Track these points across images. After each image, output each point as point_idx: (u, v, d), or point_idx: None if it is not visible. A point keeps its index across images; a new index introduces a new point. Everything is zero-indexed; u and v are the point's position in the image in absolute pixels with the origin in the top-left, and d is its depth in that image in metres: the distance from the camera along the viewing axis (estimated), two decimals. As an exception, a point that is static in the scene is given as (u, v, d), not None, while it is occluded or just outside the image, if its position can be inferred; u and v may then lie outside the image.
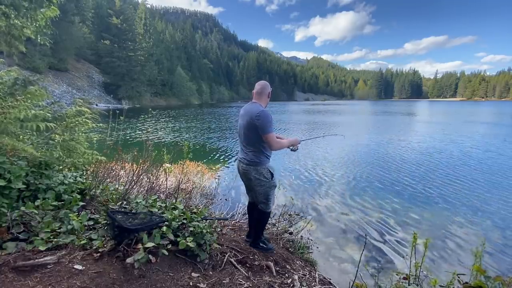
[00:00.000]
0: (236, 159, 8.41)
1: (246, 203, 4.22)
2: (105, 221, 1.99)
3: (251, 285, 1.92)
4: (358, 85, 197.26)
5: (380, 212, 4.84)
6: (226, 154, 9.85)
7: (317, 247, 3.42)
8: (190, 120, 22.71)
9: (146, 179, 3.40)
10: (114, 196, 2.68)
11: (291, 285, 2.05)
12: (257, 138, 2.18)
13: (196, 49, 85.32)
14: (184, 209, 2.33)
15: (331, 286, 2.25)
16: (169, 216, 2.07)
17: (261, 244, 2.50)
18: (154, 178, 3.49)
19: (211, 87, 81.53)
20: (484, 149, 10.63)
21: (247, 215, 3.74)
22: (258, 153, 2.22)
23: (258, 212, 2.42)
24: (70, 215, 1.94)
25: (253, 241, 2.51)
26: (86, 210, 2.26)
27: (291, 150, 2.51)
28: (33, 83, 2.60)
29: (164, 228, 1.94)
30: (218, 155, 9.81)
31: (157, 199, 2.56)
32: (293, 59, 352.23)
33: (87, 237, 1.85)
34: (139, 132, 14.17)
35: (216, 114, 30.79)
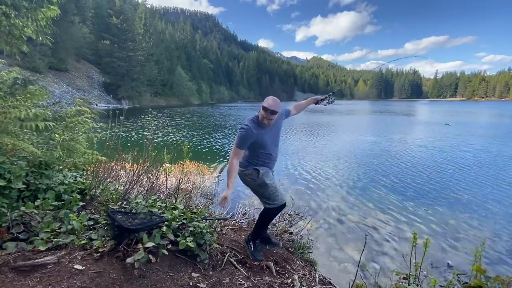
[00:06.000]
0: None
1: (247, 203, 4.23)
2: (105, 221, 1.99)
3: (251, 285, 1.92)
4: (358, 85, 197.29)
5: (380, 212, 4.84)
6: (226, 154, 9.85)
7: (317, 247, 3.42)
8: (190, 120, 22.71)
9: (146, 179, 3.40)
10: (114, 196, 2.68)
11: (291, 285, 2.04)
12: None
13: (196, 49, 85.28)
14: (184, 209, 2.33)
15: (331, 286, 2.25)
16: (169, 216, 2.07)
17: (250, 243, 2.36)
18: (154, 178, 3.49)
19: (211, 87, 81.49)
20: (485, 150, 10.63)
21: (247, 215, 3.75)
22: (246, 158, 2.23)
23: (262, 211, 2.38)
24: (70, 215, 1.94)
25: (247, 238, 2.42)
26: (86, 210, 2.26)
27: (325, 105, 2.45)
28: (33, 82, 2.60)
29: (164, 228, 1.94)
30: (218, 155, 9.81)
31: (157, 199, 2.55)
32: (293, 59, 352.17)
33: (87, 237, 1.85)
34: (139, 133, 14.17)
35: (216, 114, 30.79)
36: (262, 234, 2.45)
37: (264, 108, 2.04)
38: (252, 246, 2.36)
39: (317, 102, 2.57)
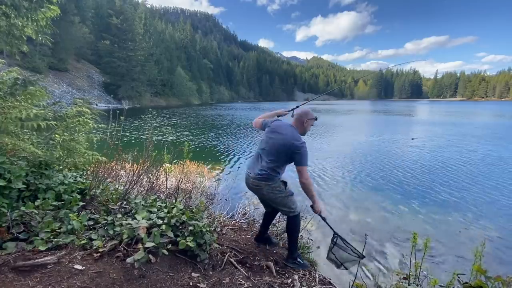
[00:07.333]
0: (243, 168, 8.29)
1: (247, 203, 4.23)
2: (105, 221, 2.00)
3: (251, 285, 1.92)
4: (358, 85, 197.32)
5: (380, 211, 4.84)
6: (226, 154, 9.85)
7: (317, 247, 3.42)
8: (190, 120, 22.71)
9: (146, 179, 3.40)
10: (114, 196, 2.68)
11: (291, 285, 2.04)
12: (285, 161, 2.22)
13: (196, 49, 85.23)
14: (183, 209, 2.33)
15: (331, 286, 2.25)
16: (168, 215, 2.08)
17: (298, 260, 2.35)
18: (154, 178, 3.49)
19: (211, 87, 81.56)
20: (486, 151, 10.63)
21: (247, 215, 3.74)
22: (275, 170, 2.20)
23: (287, 221, 2.35)
24: (70, 215, 1.94)
25: (289, 256, 2.38)
26: (86, 210, 2.26)
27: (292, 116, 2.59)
28: (33, 83, 2.60)
29: (164, 226, 1.95)
30: (218, 155, 9.81)
31: (157, 199, 2.56)
32: (293, 59, 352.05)
33: (87, 237, 1.85)
34: (140, 133, 14.18)
35: (216, 114, 30.80)
36: (297, 243, 2.46)
37: (315, 119, 2.39)
38: (300, 262, 2.37)
39: (279, 115, 2.71)
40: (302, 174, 2.14)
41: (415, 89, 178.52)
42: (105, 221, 2.03)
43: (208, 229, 2.09)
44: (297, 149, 2.13)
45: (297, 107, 2.74)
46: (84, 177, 2.83)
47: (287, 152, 2.16)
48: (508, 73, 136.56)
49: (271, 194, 2.21)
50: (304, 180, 2.14)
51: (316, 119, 2.39)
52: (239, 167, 7.91)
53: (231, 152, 10.14)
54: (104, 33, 43.20)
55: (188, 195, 3.90)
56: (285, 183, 2.28)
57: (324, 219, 2.42)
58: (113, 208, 2.38)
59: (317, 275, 2.35)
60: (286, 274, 2.21)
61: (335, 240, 2.38)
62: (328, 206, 5.05)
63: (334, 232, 2.41)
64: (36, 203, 1.99)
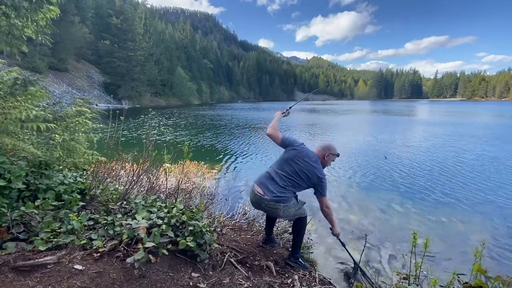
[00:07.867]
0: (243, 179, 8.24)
1: (246, 203, 4.22)
2: (106, 221, 2.00)
3: (251, 285, 1.92)
4: (358, 85, 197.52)
5: (380, 211, 4.84)
6: (226, 154, 9.85)
7: (317, 247, 3.42)
8: (190, 120, 22.72)
9: (146, 179, 3.39)
10: (114, 196, 2.68)
11: (291, 285, 2.05)
12: (306, 187, 2.32)
13: (196, 49, 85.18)
14: (183, 209, 2.33)
15: (331, 286, 2.25)
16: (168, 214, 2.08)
17: (300, 260, 2.40)
18: (154, 178, 3.49)
19: (211, 87, 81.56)
20: (486, 151, 10.63)
21: (247, 215, 3.74)
22: (295, 192, 2.29)
23: (294, 221, 2.39)
24: (70, 215, 1.93)
25: (291, 255, 2.42)
26: (86, 210, 2.26)
27: (284, 115, 2.72)
28: (33, 83, 2.60)
29: (164, 226, 1.95)
30: (218, 155, 9.81)
31: (157, 199, 2.56)
32: (293, 59, 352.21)
33: (87, 237, 1.85)
34: (140, 133, 14.18)
35: (215, 114, 30.80)
36: (301, 244, 2.52)
37: (337, 155, 2.44)
38: (301, 263, 2.42)
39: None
40: (323, 203, 2.32)
41: (415, 89, 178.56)
42: (105, 221, 2.03)
43: (208, 229, 2.09)
44: (320, 181, 2.26)
45: (290, 108, 2.84)
46: (84, 177, 2.82)
47: (311, 182, 2.27)
48: (508, 73, 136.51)
49: (286, 213, 2.27)
50: (326, 209, 2.33)
51: (338, 155, 2.45)
52: (238, 167, 7.91)
53: (231, 152, 10.14)
54: (104, 33, 43.19)
55: (188, 195, 3.90)
56: (295, 197, 2.35)
57: (343, 244, 2.54)
58: (113, 208, 2.38)
59: (317, 275, 2.35)
60: (286, 274, 2.21)
61: (354, 272, 2.50)
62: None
63: (355, 262, 2.56)
64: (36, 203, 1.99)
